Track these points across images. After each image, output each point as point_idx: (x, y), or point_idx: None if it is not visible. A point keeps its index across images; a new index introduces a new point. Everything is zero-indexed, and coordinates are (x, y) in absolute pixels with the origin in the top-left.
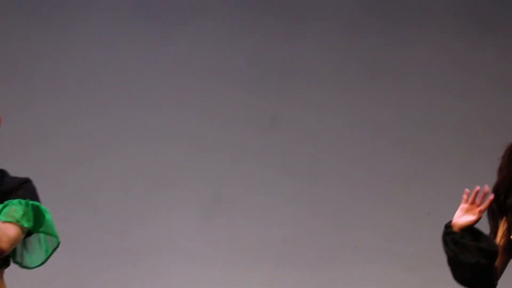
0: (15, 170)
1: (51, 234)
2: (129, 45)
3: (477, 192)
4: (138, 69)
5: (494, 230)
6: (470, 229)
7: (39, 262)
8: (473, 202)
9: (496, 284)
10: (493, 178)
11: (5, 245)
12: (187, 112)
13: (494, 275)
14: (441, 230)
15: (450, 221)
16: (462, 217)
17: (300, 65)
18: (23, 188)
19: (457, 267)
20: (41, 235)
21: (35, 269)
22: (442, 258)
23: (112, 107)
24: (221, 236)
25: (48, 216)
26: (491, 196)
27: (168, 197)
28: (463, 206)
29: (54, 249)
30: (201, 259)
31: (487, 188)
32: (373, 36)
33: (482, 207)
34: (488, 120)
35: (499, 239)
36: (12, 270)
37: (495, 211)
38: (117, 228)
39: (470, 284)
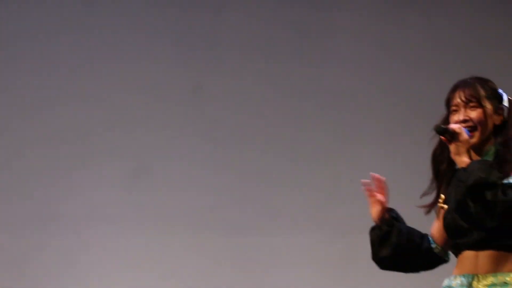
0: None
1: None
2: (50, 13)
3: (369, 183)
4: (58, 37)
5: (437, 192)
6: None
7: None
8: (373, 194)
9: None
10: (414, 147)
11: None
12: (110, 82)
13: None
14: (363, 196)
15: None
16: (373, 210)
17: (223, 32)
18: None
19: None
20: None
21: None
22: (364, 224)
23: (36, 77)
24: (145, 204)
25: None
26: (375, 176)
27: (92, 167)
28: (370, 200)
29: None
30: (126, 228)
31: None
32: (299, 2)
33: (380, 191)
34: (417, 83)
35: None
36: None
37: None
38: (42, 197)
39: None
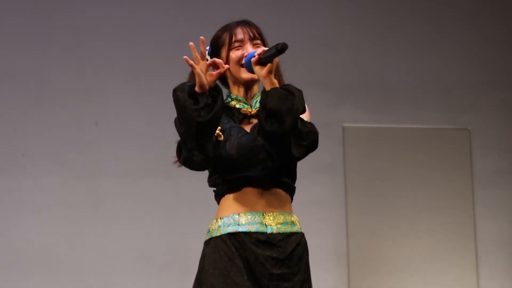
0: None
1: None
2: None
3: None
4: None
5: None
6: None
7: None
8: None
9: None
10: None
11: None
12: None
13: None
14: (108, 139)
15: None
16: (204, 78)
17: None
18: None
19: None
20: None
21: None
22: (108, 167)
23: None
24: None
25: None
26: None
27: None
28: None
29: None
30: None
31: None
32: None
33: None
34: None
35: None
36: None
37: None
38: None
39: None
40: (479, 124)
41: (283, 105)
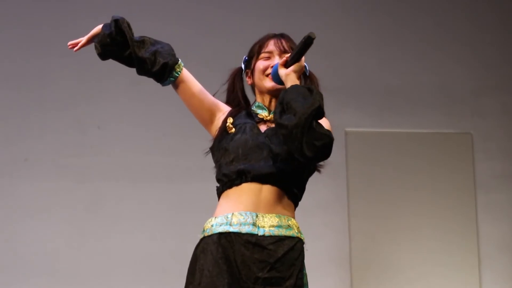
0: None
1: None
2: None
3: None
4: None
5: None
6: None
7: None
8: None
9: None
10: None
11: None
12: None
13: None
14: (111, 144)
15: None
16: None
17: None
18: None
19: None
20: None
21: None
22: (109, 171)
23: None
24: None
25: None
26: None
27: None
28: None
29: None
30: None
31: None
32: None
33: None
34: None
35: None
36: None
37: None
38: None
39: None
40: (481, 129)
41: (298, 98)
